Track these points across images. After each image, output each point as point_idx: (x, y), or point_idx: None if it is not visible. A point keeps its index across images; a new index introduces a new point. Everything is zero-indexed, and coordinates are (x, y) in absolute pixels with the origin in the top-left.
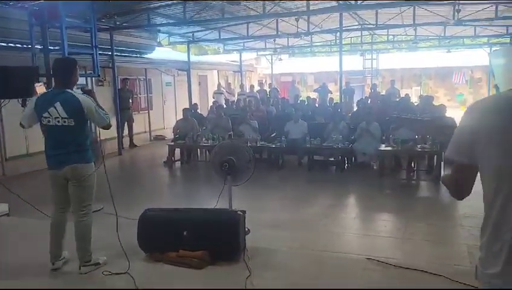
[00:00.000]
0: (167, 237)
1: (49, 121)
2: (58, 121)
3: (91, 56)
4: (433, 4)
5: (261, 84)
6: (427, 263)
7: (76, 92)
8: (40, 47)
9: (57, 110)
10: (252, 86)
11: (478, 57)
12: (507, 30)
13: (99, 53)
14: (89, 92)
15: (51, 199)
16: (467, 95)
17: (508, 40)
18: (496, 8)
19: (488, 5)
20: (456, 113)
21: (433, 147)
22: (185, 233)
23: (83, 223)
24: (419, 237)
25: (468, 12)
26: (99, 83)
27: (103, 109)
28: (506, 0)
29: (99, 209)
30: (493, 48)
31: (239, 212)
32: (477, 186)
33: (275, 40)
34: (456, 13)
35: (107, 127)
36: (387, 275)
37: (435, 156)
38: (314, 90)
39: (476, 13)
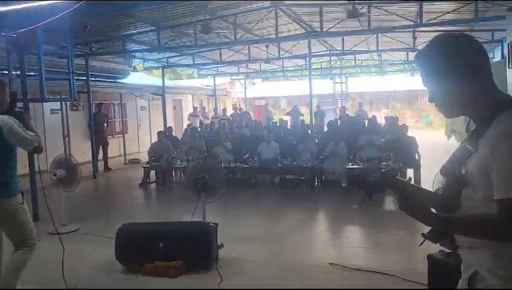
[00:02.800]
0: (144, 249)
1: None
2: None
3: (68, 81)
4: (393, 32)
5: (235, 108)
6: (385, 267)
7: None
8: (17, 73)
9: None
10: (224, 110)
11: None
12: None
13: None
14: (18, 114)
15: None
16: (433, 116)
17: None
18: None
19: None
20: (423, 134)
21: (396, 164)
22: (161, 245)
23: (18, 255)
24: (381, 245)
25: (426, 39)
26: (74, 108)
27: (34, 132)
28: (460, 28)
29: (76, 230)
30: None
31: (211, 224)
32: None
33: (247, 65)
34: (414, 40)
35: (36, 150)
36: (347, 277)
37: (398, 173)
38: (287, 114)
39: None
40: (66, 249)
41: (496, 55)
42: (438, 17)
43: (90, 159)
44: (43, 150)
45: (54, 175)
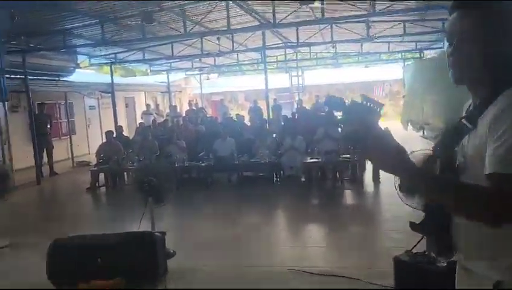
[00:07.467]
0: (80, 266)
1: None
2: None
3: None
4: (347, 22)
5: (190, 104)
6: (347, 269)
7: None
8: None
9: None
10: (174, 106)
11: (395, 71)
12: (416, 46)
13: (11, 77)
14: None
15: None
16: (387, 107)
17: (418, 54)
18: (404, 25)
19: (397, 23)
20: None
21: (353, 157)
22: (99, 261)
23: None
24: (342, 244)
25: (380, 29)
26: (14, 109)
27: None
28: (411, 18)
29: (4, 246)
30: (406, 63)
31: (157, 233)
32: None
33: (200, 60)
34: (368, 30)
35: None
36: (308, 284)
37: (357, 165)
38: (249, 112)
39: (387, 30)
40: None
41: (445, 45)
42: (389, 6)
43: (33, 163)
44: None
45: None
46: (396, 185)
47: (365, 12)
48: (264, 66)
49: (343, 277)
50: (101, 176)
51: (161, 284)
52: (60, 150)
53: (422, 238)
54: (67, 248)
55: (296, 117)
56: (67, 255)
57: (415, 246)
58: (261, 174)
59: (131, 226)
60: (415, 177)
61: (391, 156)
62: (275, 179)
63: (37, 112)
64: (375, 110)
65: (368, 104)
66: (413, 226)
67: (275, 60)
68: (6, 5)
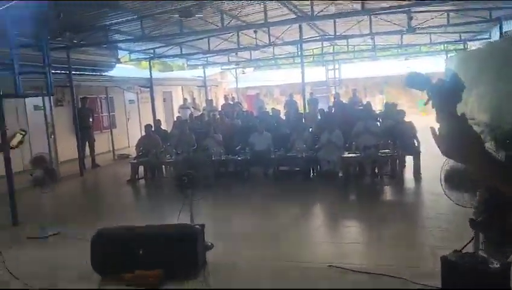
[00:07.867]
0: (122, 257)
1: None
2: None
3: (44, 75)
4: (387, 13)
5: (226, 98)
6: (389, 267)
7: None
8: None
9: None
10: (210, 100)
11: (436, 63)
12: (460, 37)
13: (56, 72)
14: None
15: None
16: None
17: (461, 46)
18: (448, 15)
19: (441, 13)
20: (418, 119)
21: (393, 152)
22: (140, 252)
23: None
24: (382, 241)
25: (422, 20)
26: (59, 103)
27: None
28: (455, 8)
29: (55, 233)
30: (449, 55)
31: (197, 226)
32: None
33: (237, 54)
34: (409, 21)
35: None
36: (349, 281)
37: (397, 161)
38: (284, 106)
39: (429, 21)
40: (42, 256)
41: (493, 35)
42: None
43: (77, 155)
44: None
45: (31, 175)
46: (443, 182)
47: (407, 3)
48: (300, 60)
49: (386, 275)
50: (141, 168)
51: (200, 277)
52: (101, 143)
53: (472, 239)
54: (110, 239)
55: (333, 111)
56: (109, 245)
57: (465, 246)
58: (298, 168)
59: (170, 218)
60: (492, 167)
61: (471, 142)
62: (311, 173)
63: (79, 106)
64: (461, 90)
65: (455, 83)
66: (472, 223)
67: (311, 54)
68: (54, 3)
